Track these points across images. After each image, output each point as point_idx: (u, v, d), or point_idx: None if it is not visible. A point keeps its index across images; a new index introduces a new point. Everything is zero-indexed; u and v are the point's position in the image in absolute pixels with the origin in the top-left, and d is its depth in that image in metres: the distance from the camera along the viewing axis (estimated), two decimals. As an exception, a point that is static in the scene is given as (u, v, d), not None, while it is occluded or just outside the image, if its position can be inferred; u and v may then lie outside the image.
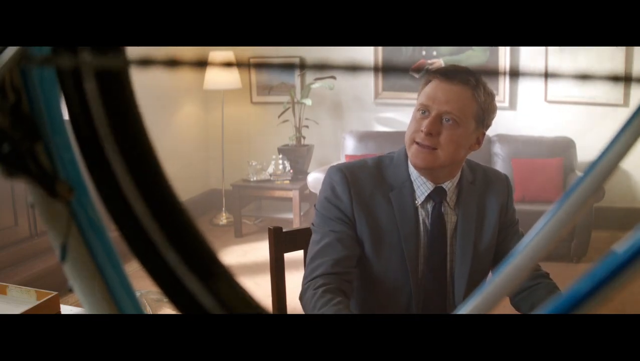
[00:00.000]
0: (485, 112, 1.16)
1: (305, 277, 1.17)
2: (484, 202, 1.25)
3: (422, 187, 1.21)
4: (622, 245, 0.30)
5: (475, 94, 1.13)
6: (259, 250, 3.67)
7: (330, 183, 1.22)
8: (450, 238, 1.22)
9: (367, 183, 1.21)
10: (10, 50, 0.30)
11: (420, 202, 1.21)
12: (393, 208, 1.20)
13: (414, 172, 1.21)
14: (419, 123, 1.15)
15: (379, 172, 1.23)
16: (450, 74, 1.14)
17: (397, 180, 1.22)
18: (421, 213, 1.21)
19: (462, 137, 1.14)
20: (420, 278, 1.21)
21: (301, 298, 1.16)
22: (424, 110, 1.15)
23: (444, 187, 1.21)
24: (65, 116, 0.34)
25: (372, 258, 1.19)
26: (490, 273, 1.24)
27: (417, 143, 1.15)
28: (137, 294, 0.38)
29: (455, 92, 1.12)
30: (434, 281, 1.22)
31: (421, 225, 1.21)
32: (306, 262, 1.21)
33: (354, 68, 0.29)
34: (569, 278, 0.34)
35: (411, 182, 1.21)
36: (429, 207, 1.21)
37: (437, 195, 1.21)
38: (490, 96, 1.16)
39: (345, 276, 1.15)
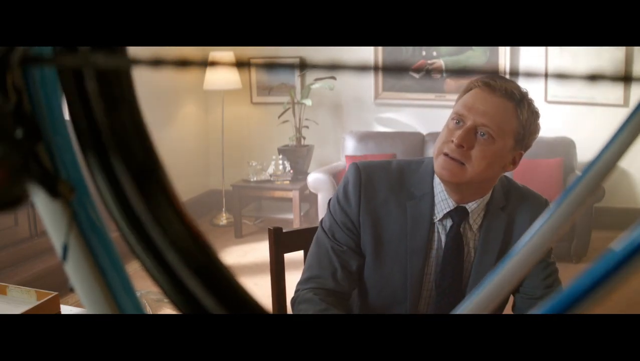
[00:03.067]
0: (526, 131, 1.06)
1: (300, 282, 1.16)
2: (512, 230, 1.13)
3: (442, 203, 1.11)
4: (619, 243, 0.30)
5: (518, 110, 1.03)
6: (259, 251, 3.67)
7: (345, 179, 1.17)
8: (468, 263, 1.14)
9: (382, 187, 1.14)
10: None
11: (438, 218, 1.12)
12: (406, 219, 1.12)
13: (438, 185, 1.12)
14: (451, 133, 1.05)
15: (400, 177, 1.15)
16: (494, 83, 1.04)
17: (419, 190, 1.13)
18: (438, 229, 1.13)
19: (496, 155, 1.04)
20: (427, 297, 1.16)
21: (293, 304, 1.14)
22: (458, 119, 1.05)
23: (467, 207, 1.11)
24: (67, 116, 0.34)
25: (372, 268, 1.16)
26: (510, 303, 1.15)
27: (446, 154, 1.05)
28: (137, 294, 0.38)
29: (496, 105, 1.02)
30: (443, 304, 1.15)
31: (435, 242, 1.13)
32: (305, 260, 1.20)
33: (353, 68, 0.29)
34: (569, 279, 0.34)
35: (433, 196, 1.12)
36: (447, 225, 1.12)
37: (457, 215, 1.11)
38: (534, 115, 1.06)
39: (341, 293, 1.14)
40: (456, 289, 1.14)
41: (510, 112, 1.03)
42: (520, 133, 1.05)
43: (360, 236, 1.15)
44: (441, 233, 1.13)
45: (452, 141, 1.04)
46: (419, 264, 1.13)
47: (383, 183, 1.14)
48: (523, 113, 1.04)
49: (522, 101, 1.04)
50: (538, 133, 1.10)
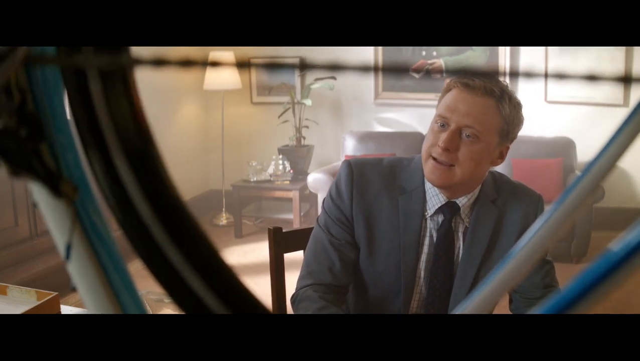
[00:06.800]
0: (510, 126, 1.06)
1: (300, 278, 1.16)
2: (502, 225, 1.13)
3: (434, 198, 1.12)
4: (617, 244, 0.30)
5: (499, 106, 1.03)
6: (259, 251, 3.67)
7: (338, 176, 1.18)
8: (458, 257, 1.14)
9: (374, 183, 1.15)
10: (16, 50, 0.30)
11: (430, 214, 1.12)
12: (398, 213, 1.13)
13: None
14: (437, 136, 1.05)
15: (392, 173, 1.16)
16: (472, 83, 1.03)
17: (410, 185, 1.14)
18: (430, 224, 1.14)
19: (483, 153, 1.04)
20: (418, 292, 1.16)
21: (293, 302, 1.14)
22: (442, 122, 1.05)
23: (458, 202, 1.11)
24: (69, 116, 0.34)
25: (366, 263, 1.16)
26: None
27: (434, 158, 1.06)
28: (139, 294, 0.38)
29: (477, 104, 1.02)
30: (432, 297, 1.15)
31: (427, 238, 1.14)
32: (304, 256, 1.20)
33: (353, 69, 0.29)
34: (569, 279, 0.34)
35: (424, 190, 1.13)
36: (439, 220, 1.13)
37: (448, 210, 1.12)
38: (516, 108, 1.07)
39: (338, 288, 1.14)
40: (446, 282, 1.15)
41: (493, 110, 1.03)
42: (504, 129, 1.06)
43: (354, 229, 1.16)
44: (433, 230, 1.14)
45: (439, 145, 1.04)
46: (412, 259, 1.13)
47: (375, 179, 1.16)
48: (505, 108, 1.04)
49: (502, 97, 1.03)
50: (522, 124, 1.10)
